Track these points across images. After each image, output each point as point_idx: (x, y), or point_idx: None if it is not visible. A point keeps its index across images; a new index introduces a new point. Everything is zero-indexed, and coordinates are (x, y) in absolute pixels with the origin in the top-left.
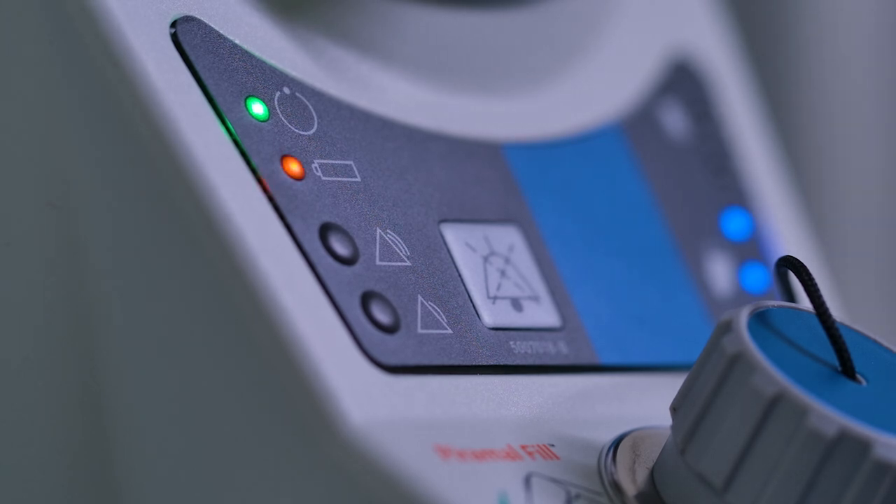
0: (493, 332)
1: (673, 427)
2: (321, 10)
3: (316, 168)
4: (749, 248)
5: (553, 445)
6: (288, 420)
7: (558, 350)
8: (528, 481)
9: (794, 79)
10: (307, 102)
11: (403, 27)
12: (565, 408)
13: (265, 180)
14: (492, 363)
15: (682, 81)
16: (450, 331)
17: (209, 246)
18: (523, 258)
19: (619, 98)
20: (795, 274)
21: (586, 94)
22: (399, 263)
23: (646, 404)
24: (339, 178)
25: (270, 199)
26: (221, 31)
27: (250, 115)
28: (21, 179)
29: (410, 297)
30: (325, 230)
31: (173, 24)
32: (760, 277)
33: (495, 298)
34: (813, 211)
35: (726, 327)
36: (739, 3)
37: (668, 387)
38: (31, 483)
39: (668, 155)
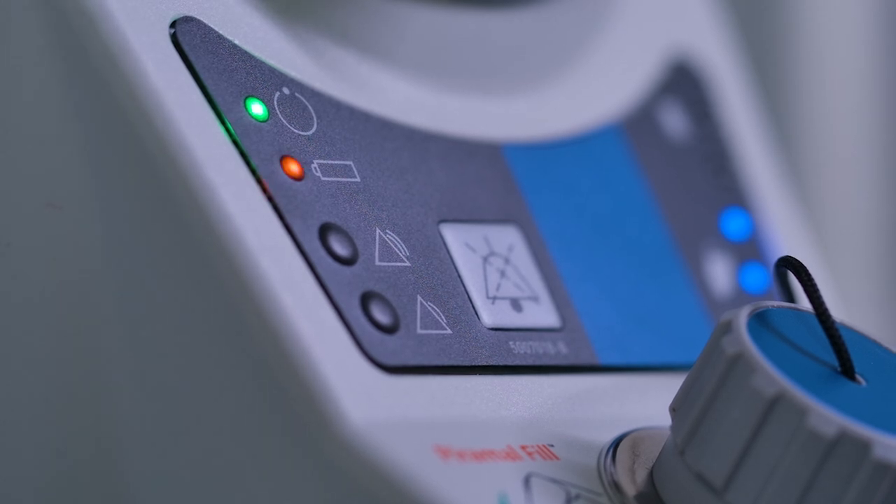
0: (492, 332)
1: (673, 427)
2: (321, 11)
3: (315, 168)
4: (749, 249)
5: (553, 446)
6: (288, 420)
7: (558, 350)
8: (527, 482)
9: (793, 79)
10: (307, 103)
11: (403, 27)
12: (565, 408)
13: (265, 180)
14: (491, 363)
15: (682, 82)
16: (449, 331)
17: (209, 246)
18: (523, 258)
19: (619, 98)
20: (795, 274)
21: (586, 94)
22: (398, 264)
23: (646, 404)
24: (339, 179)
25: (270, 199)
26: (221, 32)
27: (250, 115)
28: (21, 179)
29: (410, 297)
30: (324, 230)
31: (173, 25)
32: (760, 277)
33: (495, 299)
34: (813, 211)
35: (726, 327)
36: (739, 3)
37: (668, 387)
38: (31, 483)
39: (668, 155)
